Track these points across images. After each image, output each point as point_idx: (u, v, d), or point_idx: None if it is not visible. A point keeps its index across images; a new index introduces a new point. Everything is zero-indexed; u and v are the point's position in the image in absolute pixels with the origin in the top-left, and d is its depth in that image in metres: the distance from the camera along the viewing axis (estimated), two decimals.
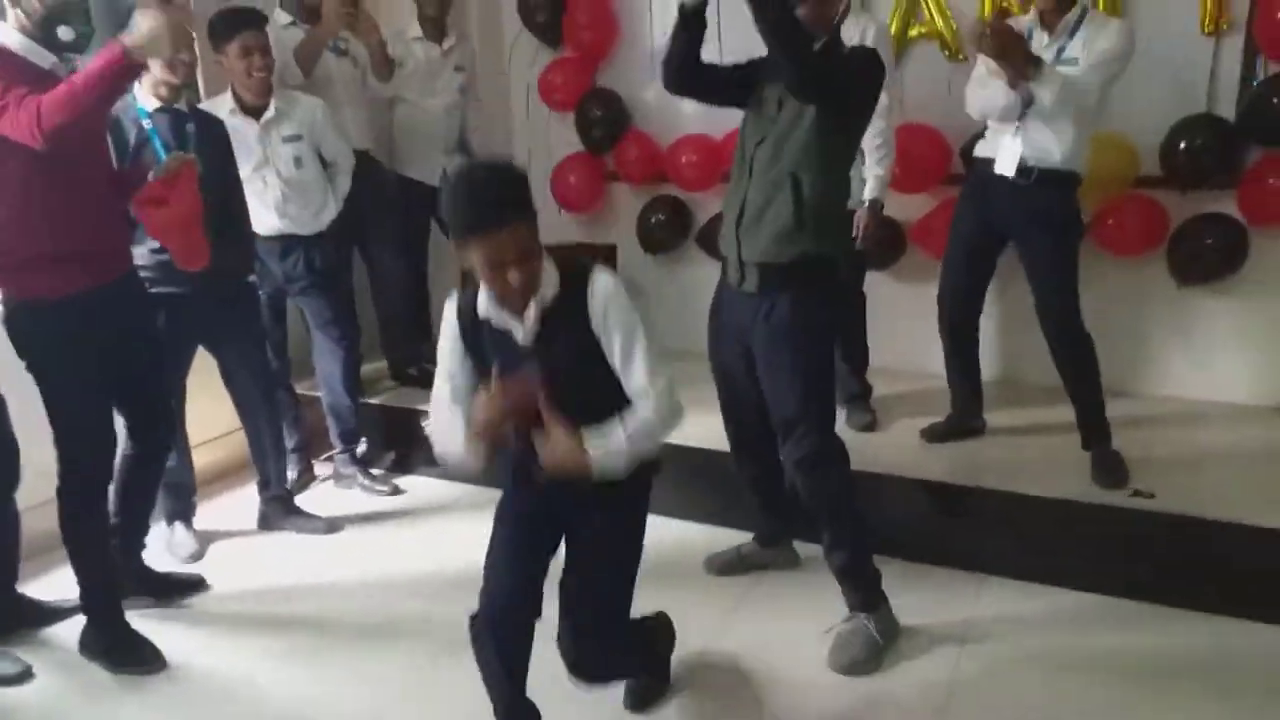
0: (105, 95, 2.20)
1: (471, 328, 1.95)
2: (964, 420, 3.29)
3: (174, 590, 2.89)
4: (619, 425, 1.86)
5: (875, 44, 2.99)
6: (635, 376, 1.90)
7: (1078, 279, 2.98)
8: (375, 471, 3.69)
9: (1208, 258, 3.41)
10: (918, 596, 2.76)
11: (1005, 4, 3.55)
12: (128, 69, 2.17)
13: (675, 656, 2.45)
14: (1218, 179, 3.35)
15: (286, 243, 3.29)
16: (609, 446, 1.85)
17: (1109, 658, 2.50)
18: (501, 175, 1.82)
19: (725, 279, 2.56)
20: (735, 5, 2.30)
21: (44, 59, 2.28)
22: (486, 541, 2.12)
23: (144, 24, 2.12)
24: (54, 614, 2.73)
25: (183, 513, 3.20)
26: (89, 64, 2.18)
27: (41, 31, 2.26)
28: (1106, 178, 3.30)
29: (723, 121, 3.91)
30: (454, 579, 2.95)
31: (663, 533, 3.15)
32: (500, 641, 1.99)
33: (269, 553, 3.20)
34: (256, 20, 3.09)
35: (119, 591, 2.64)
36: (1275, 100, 3.22)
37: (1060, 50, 2.85)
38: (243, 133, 3.13)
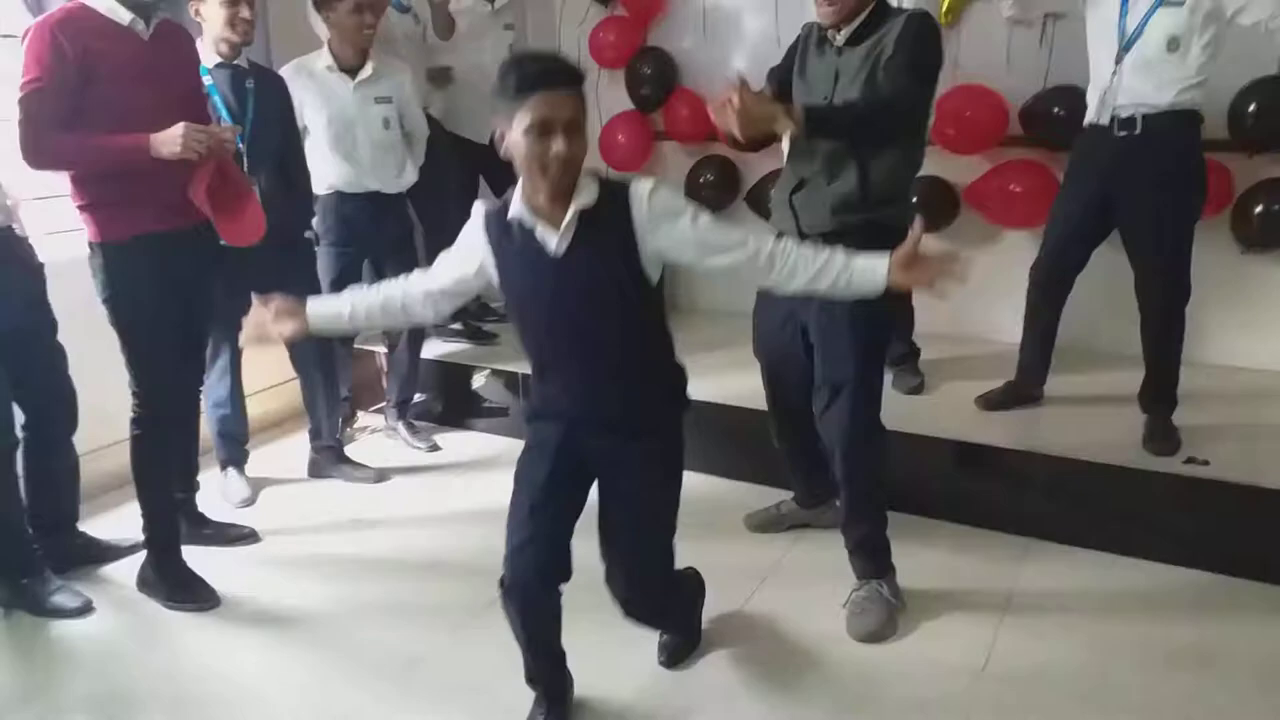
0: (109, 167, 2.35)
1: (499, 236, 1.87)
2: (1024, 388, 3.23)
3: (226, 540, 2.96)
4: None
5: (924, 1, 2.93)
6: (731, 254, 1.87)
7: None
8: (418, 425, 3.74)
9: (1273, 223, 3.31)
10: (963, 560, 2.76)
11: None
12: (144, 157, 2.32)
13: (711, 615, 2.47)
14: None
15: (374, 200, 3.31)
16: None
17: (1151, 626, 2.47)
18: (560, 55, 1.84)
19: None
20: None
21: (123, 16, 2.35)
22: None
23: (171, 132, 2.30)
24: (113, 551, 2.83)
25: (236, 459, 3.28)
26: (120, 138, 2.31)
27: None
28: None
29: None
30: (499, 530, 3.00)
31: (702, 490, 3.21)
32: (525, 611, 1.97)
33: (318, 499, 3.27)
34: None
35: (179, 528, 2.72)
36: None
37: None
38: (337, 90, 3.19)
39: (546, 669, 2.09)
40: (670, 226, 1.82)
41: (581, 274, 1.82)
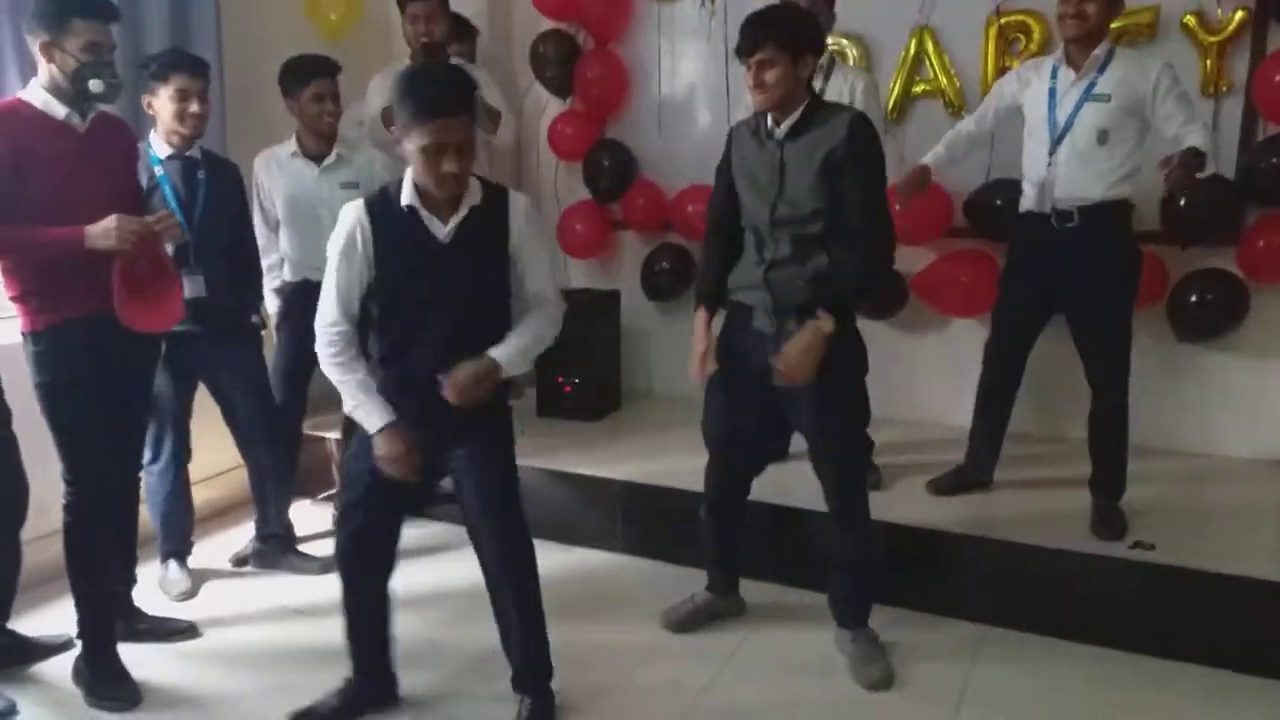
0: (42, 259, 2.37)
1: (384, 222, 2.11)
2: (974, 473, 3.27)
3: (163, 635, 2.86)
4: (515, 335, 2.18)
5: (864, 101, 3.07)
6: (542, 282, 2.21)
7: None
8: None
9: (1207, 313, 3.43)
10: (919, 646, 2.74)
11: (1006, 65, 3.62)
12: (78, 249, 2.34)
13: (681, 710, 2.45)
14: (1217, 235, 3.38)
15: None
16: (511, 353, 2.16)
17: (1108, 713, 2.46)
18: (456, 72, 2.08)
19: (746, 325, 2.56)
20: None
21: (59, 111, 2.39)
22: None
23: (104, 224, 2.33)
24: (42, 649, 2.72)
25: (178, 551, 3.19)
26: (53, 231, 2.33)
27: (74, 84, 2.36)
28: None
29: None
30: (445, 620, 2.95)
31: (652, 575, 3.20)
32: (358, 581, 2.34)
33: (262, 591, 3.18)
34: (331, 68, 3.18)
35: (114, 621, 2.64)
36: (1274, 161, 3.27)
37: (1090, 86, 2.86)
38: (302, 176, 3.23)
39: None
40: (524, 244, 2.18)
41: (464, 259, 2.13)
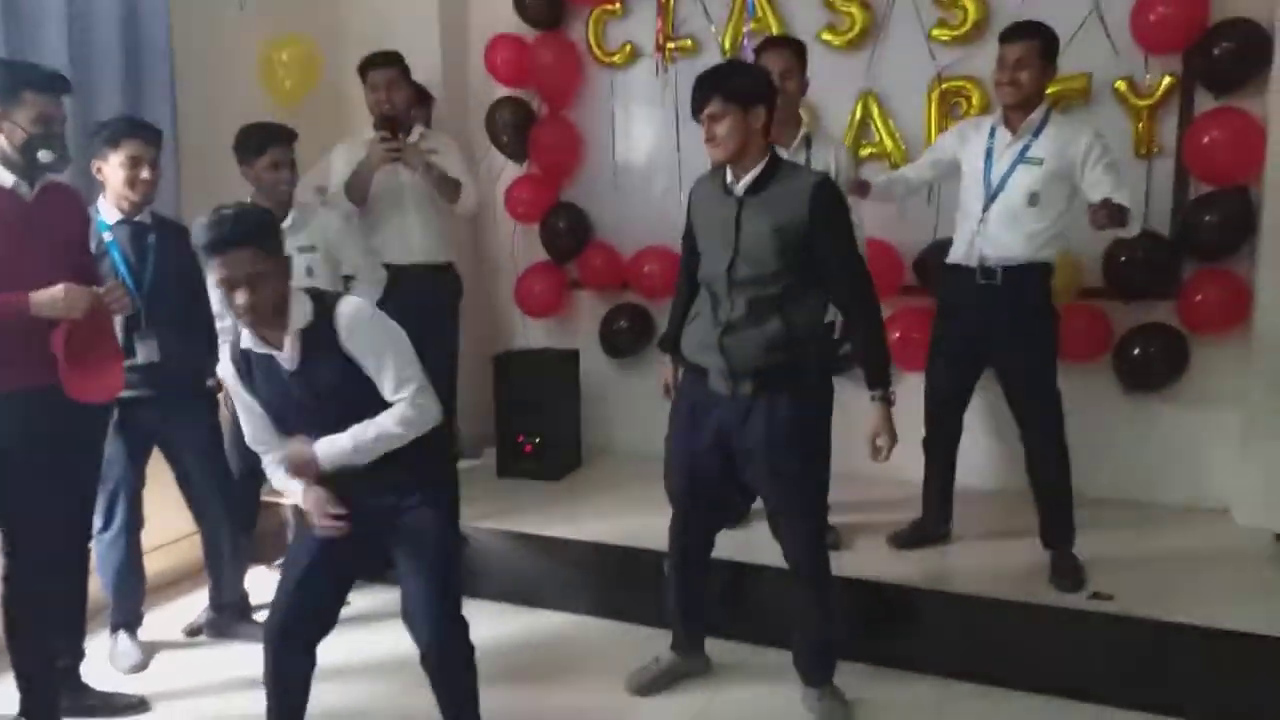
0: None
1: (244, 364, 2.19)
2: (931, 527, 3.31)
3: (111, 711, 2.77)
4: (350, 432, 2.16)
5: (844, 169, 3.17)
6: (386, 388, 2.17)
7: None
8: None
9: (1152, 364, 3.54)
10: (886, 703, 2.74)
11: (947, 127, 3.74)
12: (23, 315, 2.35)
13: None
14: (1157, 291, 3.50)
15: None
16: (332, 449, 2.15)
17: None
18: (244, 210, 2.15)
19: (704, 386, 2.58)
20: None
21: (6, 180, 2.40)
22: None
23: (52, 292, 2.35)
24: None
25: (129, 622, 3.10)
26: None
27: (22, 155, 2.38)
28: (1054, 288, 3.42)
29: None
30: (411, 685, 2.88)
31: (625, 635, 3.17)
32: (279, 661, 2.27)
33: (217, 662, 3.10)
34: (285, 136, 3.18)
35: (58, 697, 2.56)
36: (1206, 219, 3.41)
37: (1024, 149, 2.97)
38: None
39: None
40: (361, 357, 2.15)
41: (318, 379, 2.15)
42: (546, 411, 4.06)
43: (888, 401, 2.51)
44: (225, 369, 2.25)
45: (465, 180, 3.80)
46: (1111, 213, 2.73)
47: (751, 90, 2.45)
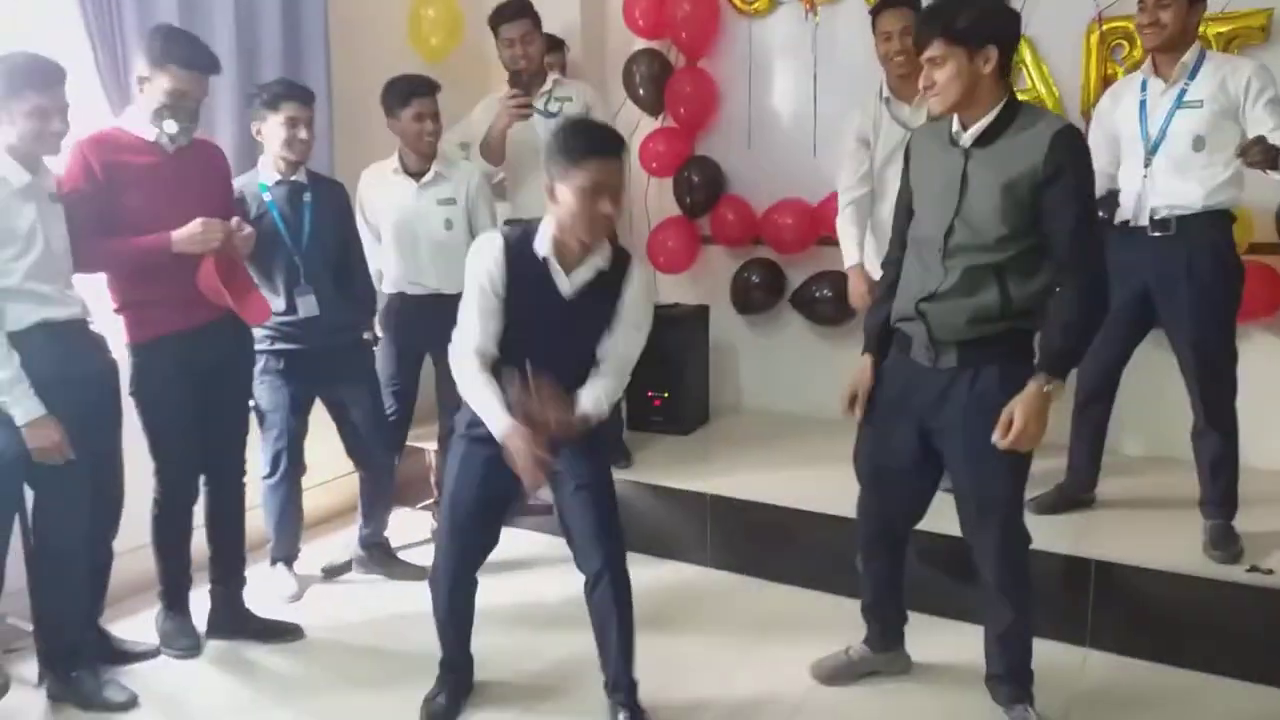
0: (135, 266, 2.59)
1: (519, 265, 2.19)
2: (1076, 491, 3.17)
3: (272, 635, 2.98)
4: (599, 387, 2.24)
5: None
6: (612, 354, 2.26)
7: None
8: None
9: None
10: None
11: (1109, 72, 3.53)
12: (166, 252, 2.55)
13: None
14: None
15: (435, 300, 3.28)
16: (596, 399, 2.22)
17: None
18: (612, 126, 2.27)
19: (904, 356, 2.35)
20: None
21: (149, 133, 2.61)
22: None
23: (190, 227, 2.55)
24: (131, 655, 2.83)
25: (287, 555, 3.31)
26: (142, 239, 2.55)
27: (152, 121, 2.59)
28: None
29: (817, 186, 3.98)
30: (537, 629, 3.00)
31: (751, 588, 3.19)
32: (454, 595, 2.43)
33: (364, 597, 3.28)
34: (430, 88, 3.26)
35: (188, 587, 2.92)
36: None
37: (1181, 94, 2.79)
38: (402, 192, 3.31)
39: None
40: (628, 312, 2.26)
41: (583, 316, 2.23)
42: (676, 367, 4.08)
43: (1046, 393, 2.12)
44: (488, 253, 2.21)
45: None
46: (1265, 150, 2.52)
47: (980, 27, 2.09)
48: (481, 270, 2.21)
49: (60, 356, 2.41)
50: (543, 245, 2.19)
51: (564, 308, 2.22)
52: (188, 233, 2.54)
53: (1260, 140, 2.57)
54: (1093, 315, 2.15)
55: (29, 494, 2.49)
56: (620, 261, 2.26)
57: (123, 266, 2.60)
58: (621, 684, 2.42)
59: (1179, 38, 2.77)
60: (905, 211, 2.38)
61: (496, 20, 3.53)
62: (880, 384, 2.43)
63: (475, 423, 2.28)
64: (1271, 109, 2.68)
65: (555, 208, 2.14)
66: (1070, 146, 2.09)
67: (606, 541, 2.34)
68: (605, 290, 2.24)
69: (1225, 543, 2.79)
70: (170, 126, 2.58)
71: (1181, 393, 2.93)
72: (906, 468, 2.39)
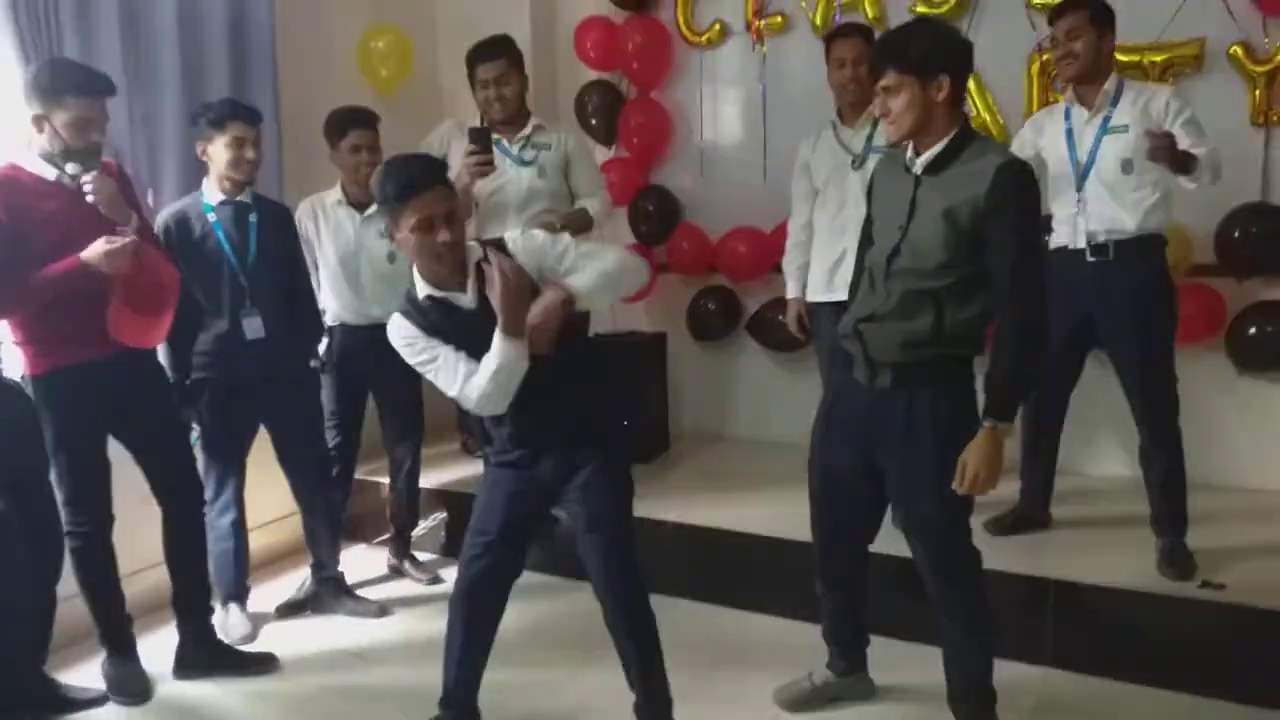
0: (60, 291, 2.47)
1: (423, 316, 2.19)
2: (1031, 512, 3.21)
3: (248, 667, 2.91)
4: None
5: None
6: (570, 270, 2.20)
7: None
8: (420, 559, 3.69)
9: (1267, 344, 3.36)
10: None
11: (1050, 99, 3.62)
12: (83, 274, 2.46)
13: None
14: (1274, 267, 3.33)
15: (377, 331, 3.30)
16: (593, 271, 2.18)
17: None
18: (423, 156, 2.22)
19: (847, 373, 2.38)
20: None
21: (49, 173, 2.52)
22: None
23: (94, 246, 2.45)
24: (77, 703, 2.72)
25: (237, 594, 3.22)
26: (52, 267, 2.45)
27: (53, 163, 2.52)
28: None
29: (770, 213, 4.02)
30: (500, 663, 2.93)
31: (715, 616, 3.17)
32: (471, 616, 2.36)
33: (318, 634, 3.20)
34: (367, 120, 3.24)
35: (130, 628, 2.81)
36: None
37: (1105, 120, 2.88)
38: (344, 223, 3.29)
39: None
40: (535, 258, 2.20)
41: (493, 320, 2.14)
42: (634, 394, 4.06)
43: (997, 436, 2.12)
44: (404, 333, 2.21)
45: (590, 195, 3.51)
46: (1171, 147, 2.63)
47: (932, 58, 2.12)
48: (417, 346, 2.22)
49: None
50: (421, 288, 2.20)
51: (475, 322, 2.16)
52: (93, 250, 2.44)
53: (1169, 135, 2.67)
54: (1030, 359, 2.16)
55: None
56: (495, 248, 2.21)
57: (42, 299, 2.48)
58: (650, 706, 2.41)
59: (1093, 67, 2.87)
60: (867, 240, 2.40)
61: (473, 59, 3.38)
62: (830, 397, 2.48)
63: (501, 450, 2.33)
64: (1189, 128, 2.79)
65: (406, 251, 2.18)
66: (1014, 181, 2.10)
67: (618, 584, 2.34)
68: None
69: (1178, 560, 2.84)
70: (73, 169, 2.51)
71: (1126, 412, 2.98)
72: (853, 476, 2.38)
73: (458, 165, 3.21)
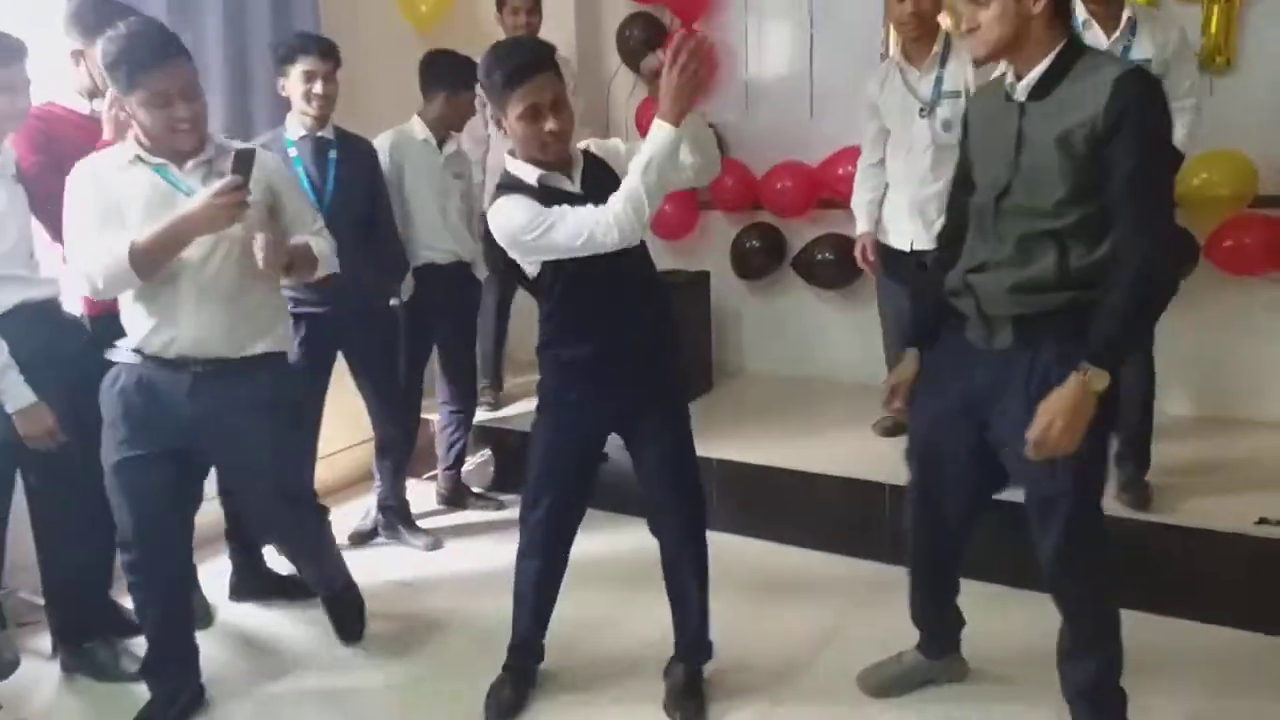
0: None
1: (532, 194, 2.07)
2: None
3: (298, 594, 2.96)
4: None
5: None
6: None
7: None
8: (479, 491, 3.77)
9: None
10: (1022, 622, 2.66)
11: None
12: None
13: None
14: None
15: (455, 268, 3.37)
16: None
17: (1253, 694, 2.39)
18: (532, 39, 2.14)
19: (957, 336, 2.07)
20: None
21: (85, 107, 2.50)
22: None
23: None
24: (139, 627, 2.71)
25: None
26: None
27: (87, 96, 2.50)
28: (1223, 196, 3.20)
29: (816, 148, 3.96)
30: (609, 596, 2.93)
31: (759, 551, 3.19)
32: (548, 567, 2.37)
33: (373, 562, 3.22)
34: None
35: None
36: None
37: (1124, 50, 2.74)
38: (429, 161, 3.28)
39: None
40: (617, 155, 2.19)
41: (597, 195, 2.06)
42: (678, 333, 4.05)
43: (1089, 386, 1.80)
44: (516, 205, 2.05)
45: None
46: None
47: None
48: (533, 212, 2.05)
49: (45, 337, 2.36)
50: (529, 175, 2.10)
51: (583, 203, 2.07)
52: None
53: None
54: (1150, 295, 1.82)
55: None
56: (591, 154, 2.19)
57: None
58: (702, 646, 2.42)
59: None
60: (962, 184, 2.12)
61: None
62: (932, 363, 2.19)
63: (562, 389, 2.26)
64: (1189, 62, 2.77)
65: (510, 137, 2.12)
66: (1136, 93, 1.78)
67: (693, 524, 2.34)
68: (596, 166, 2.17)
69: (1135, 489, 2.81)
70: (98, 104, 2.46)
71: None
72: (958, 462, 2.12)
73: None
